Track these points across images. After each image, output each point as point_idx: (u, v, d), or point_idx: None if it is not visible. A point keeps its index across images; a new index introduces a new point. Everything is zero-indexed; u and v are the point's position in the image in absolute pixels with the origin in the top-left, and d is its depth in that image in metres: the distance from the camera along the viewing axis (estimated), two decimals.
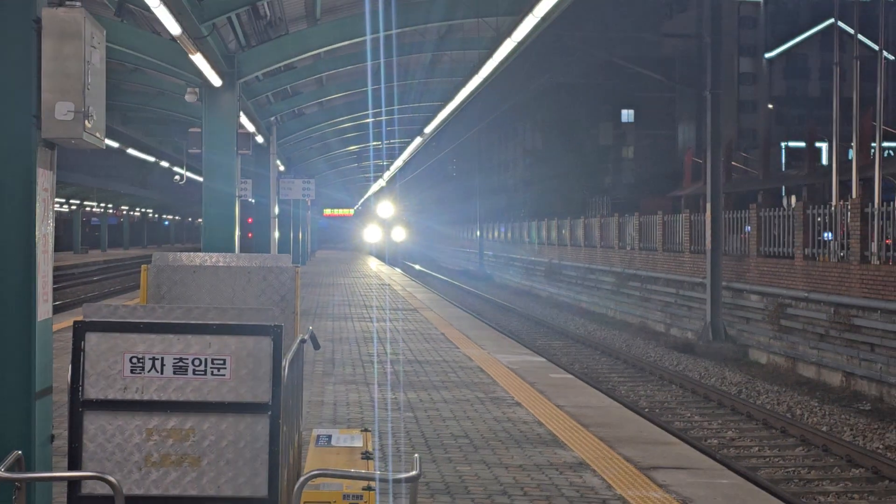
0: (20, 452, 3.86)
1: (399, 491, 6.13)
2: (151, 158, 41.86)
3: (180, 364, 3.95)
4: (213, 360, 3.95)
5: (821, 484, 11.65)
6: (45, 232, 4.64)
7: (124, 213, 78.46)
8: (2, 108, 4.49)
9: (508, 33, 14.10)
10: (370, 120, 30.91)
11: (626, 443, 8.28)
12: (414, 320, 19.11)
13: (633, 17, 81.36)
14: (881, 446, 13.79)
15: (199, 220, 17.70)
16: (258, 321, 3.99)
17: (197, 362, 3.95)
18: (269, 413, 3.97)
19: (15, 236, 4.51)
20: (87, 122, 4.53)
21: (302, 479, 3.81)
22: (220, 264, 6.08)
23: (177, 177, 40.46)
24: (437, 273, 61.04)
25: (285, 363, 4.10)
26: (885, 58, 29.96)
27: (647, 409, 15.99)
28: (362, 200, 73.34)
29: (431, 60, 23.20)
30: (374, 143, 39.33)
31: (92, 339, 3.94)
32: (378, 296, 26.19)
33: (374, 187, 60.72)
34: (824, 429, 14.77)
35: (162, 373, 3.94)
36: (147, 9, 11.33)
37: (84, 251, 65.65)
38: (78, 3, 4.57)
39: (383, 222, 65.77)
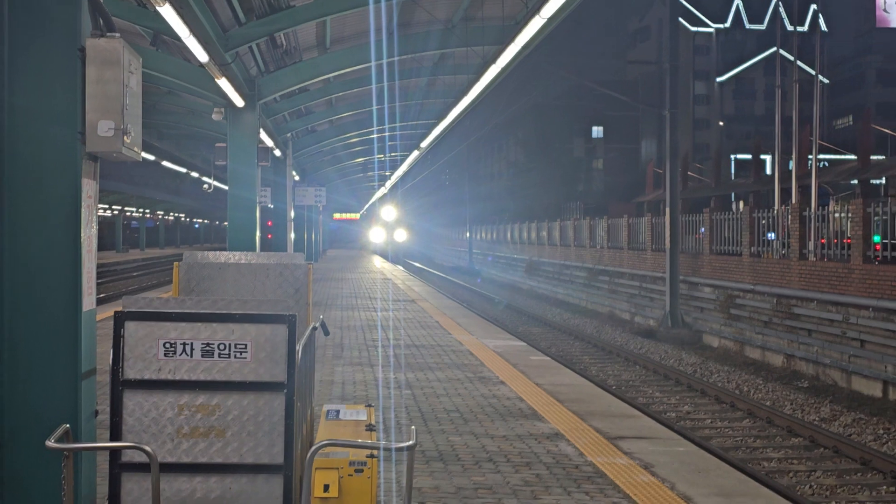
0: (68, 426, 3.86)
1: (399, 458, 6.15)
2: (183, 169, 41.81)
3: (207, 348, 3.95)
4: (235, 344, 3.96)
5: (765, 451, 11.69)
6: (89, 234, 4.63)
7: (160, 217, 78.28)
8: (51, 126, 4.48)
9: (493, 60, 14.11)
10: (375, 135, 30.89)
11: (596, 416, 8.29)
12: (412, 310, 19.09)
13: (602, 47, 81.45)
14: (817, 418, 13.83)
15: (225, 222, 17.64)
16: (275, 311, 3.99)
17: (222, 347, 3.95)
18: (285, 391, 3.98)
19: (63, 238, 4.51)
20: (125, 137, 4.52)
21: (314, 448, 3.82)
22: (243, 262, 6.07)
23: (205, 185, 40.39)
24: (432, 269, 60.96)
25: (299, 347, 4.10)
26: (821, 82, 29.97)
27: (614, 387, 16.00)
28: (367, 205, 73.18)
29: (427, 84, 23.18)
30: (378, 155, 39.30)
31: (130, 327, 3.94)
32: (381, 289, 26.16)
33: (378, 194, 60.61)
34: (768, 403, 14.81)
35: (191, 356, 3.94)
36: (178, 39, 11.31)
37: (125, 250, 65.49)
38: (117, 35, 4.56)
39: (387, 224, 65.59)
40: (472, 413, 8.36)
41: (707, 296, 23.31)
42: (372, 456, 4.18)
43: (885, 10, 34.94)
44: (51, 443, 3.63)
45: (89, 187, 4.62)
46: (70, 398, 4.45)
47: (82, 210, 4.52)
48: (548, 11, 10.70)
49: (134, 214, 68.61)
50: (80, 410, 4.46)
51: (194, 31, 10.84)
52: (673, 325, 23.70)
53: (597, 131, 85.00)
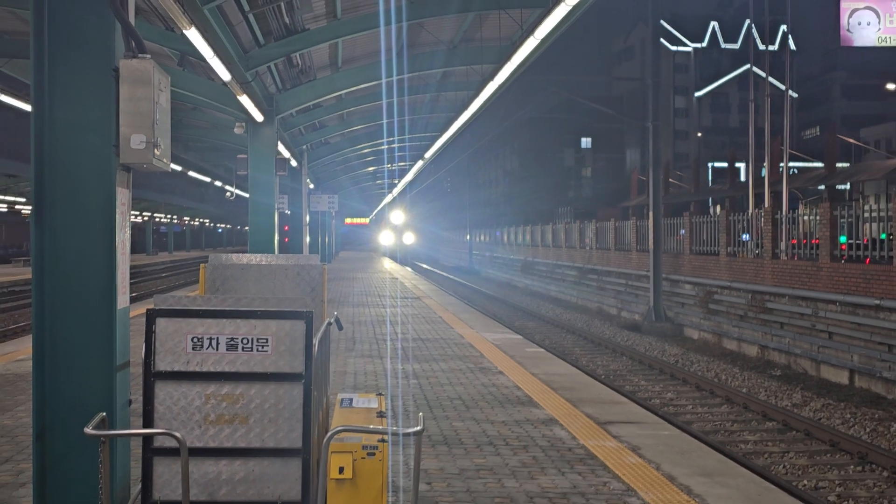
0: (104, 414, 3.85)
1: (407, 442, 6.14)
2: (208, 179, 41.80)
3: (232, 342, 3.94)
4: (257, 339, 3.94)
5: (741, 434, 11.66)
6: (123, 238, 4.62)
7: (186, 222, 78.31)
8: (89, 139, 4.48)
9: (491, 78, 14.10)
10: (384, 147, 30.86)
11: (587, 403, 8.27)
12: (418, 306, 19.06)
13: (590, 65, 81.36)
14: (789, 404, 13.80)
15: (247, 227, 17.66)
16: (293, 308, 3.98)
17: (245, 341, 3.94)
18: (303, 381, 3.97)
19: (99, 241, 4.51)
20: (156, 150, 4.52)
21: (329, 433, 3.81)
22: (263, 263, 6.05)
23: (228, 194, 40.42)
24: (437, 269, 60.91)
25: (315, 341, 4.09)
26: (790, 96, 29.94)
27: (603, 376, 15.98)
28: (377, 210, 73.02)
29: (432, 99, 23.17)
30: (388, 164, 39.26)
31: (161, 323, 3.93)
32: (390, 287, 26.13)
33: (387, 199, 60.51)
34: (744, 390, 14.78)
35: (217, 349, 3.93)
36: (203, 60, 11.31)
37: (155, 253, 65.54)
38: (148, 56, 4.55)
39: (395, 228, 65.44)
40: (474, 400, 8.34)
41: (687, 292, 23.27)
42: (383, 440, 4.17)
43: (848, 31, 35.01)
44: (89, 430, 3.62)
45: (123, 195, 4.61)
46: (106, 389, 4.44)
47: (117, 216, 4.52)
48: (541, 33, 10.70)
49: (163, 220, 68.67)
50: (115, 400, 4.45)
51: (218, 52, 10.84)
52: (656, 319, 23.66)
53: (585, 142, 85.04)
